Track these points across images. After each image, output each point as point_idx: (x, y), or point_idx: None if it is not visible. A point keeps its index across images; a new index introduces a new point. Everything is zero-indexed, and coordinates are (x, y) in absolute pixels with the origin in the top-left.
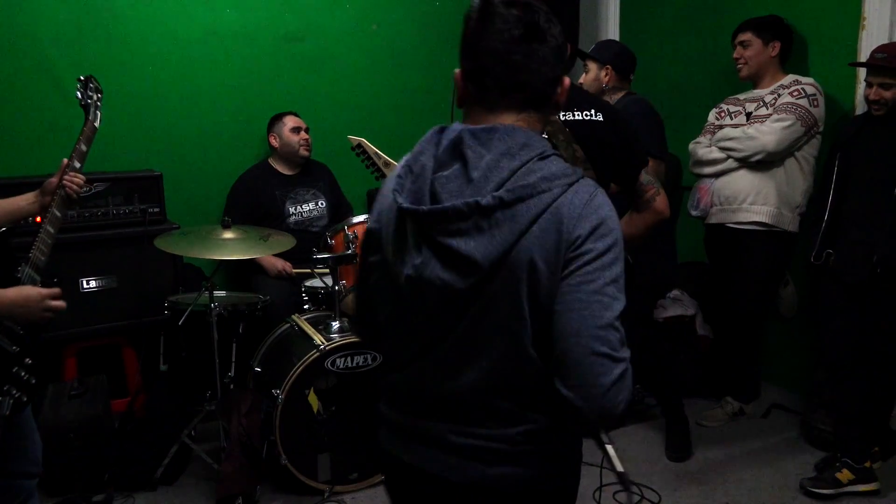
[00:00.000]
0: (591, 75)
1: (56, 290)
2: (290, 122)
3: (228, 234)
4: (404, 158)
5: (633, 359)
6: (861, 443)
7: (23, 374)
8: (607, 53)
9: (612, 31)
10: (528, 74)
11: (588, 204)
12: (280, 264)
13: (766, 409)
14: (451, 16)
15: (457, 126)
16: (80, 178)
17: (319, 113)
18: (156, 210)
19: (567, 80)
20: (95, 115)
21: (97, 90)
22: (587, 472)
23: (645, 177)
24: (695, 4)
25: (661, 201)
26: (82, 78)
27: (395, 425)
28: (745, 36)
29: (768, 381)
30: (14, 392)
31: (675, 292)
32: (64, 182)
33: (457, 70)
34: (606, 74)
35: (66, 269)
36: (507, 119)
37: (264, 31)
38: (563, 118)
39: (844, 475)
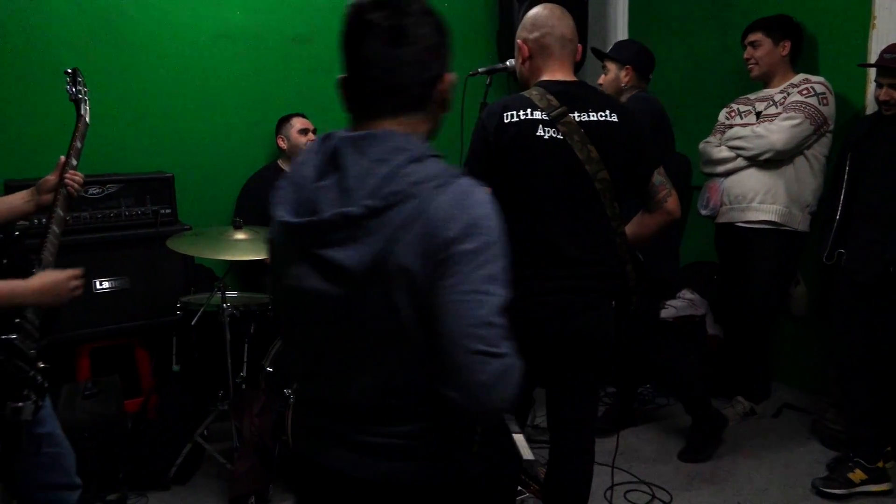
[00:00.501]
0: (611, 75)
1: (78, 271)
2: (297, 123)
3: (240, 235)
4: (289, 168)
5: (641, 360)
6: (873, 442)
7: (38, 378)
8: (627, 53)
9: (621, 31)
10: (399, 77)
11: (458, 204)
12: None
13: (777, 408)
14: (459, 17)
15: (338, 133)
16: (79, 176)
17: (328, 114)
18: (167, 211)
19: (449, 77)
20: (86, 109)
21: (84, 84)
22: (599, 472)
23: (657, 177)
24: (704, 4)
25: (672, 202)
26: (69, 71)
27: (301, 426)
28: (756, 36)
29: (779, 381)
30: (33, 397)
31: (685, 292)
32: (65, 181)
33: (340, 76)
34: (626, 74)
35: None
36: (385, 124)
37: (273, 33)
38: (577, 118)
39: (857, 475)
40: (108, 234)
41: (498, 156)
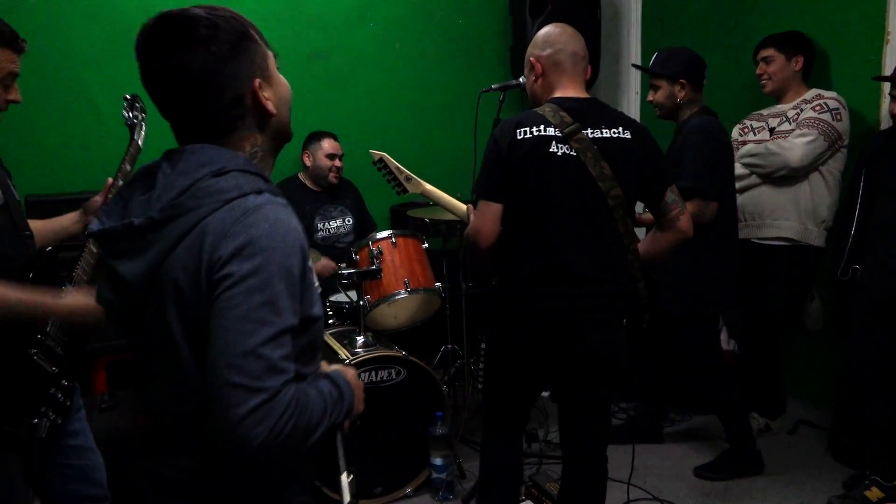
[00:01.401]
0: (663, 93)
1: None
2: (327, 146)
3: None
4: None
5: (694, 386)
6: (891, 460)
7: (59, 395)
8: (678, 66)
9: (633, 48)
10: (185, 100)
11: (238, 222)
12: (332, 264)
13: (792, 425)
14: (474, 34)
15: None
16: None
17: (343, 129)
18: None
19: (257, 82)
20: (140, 134)
21: (142, 109)
22: (614, 487)
23: (670, 195)
24: (716, 21)
25: (685, 221)
26: (128, 97)
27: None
28: (768, 52)
29: (795, 397)
30: (50, 414)
31: None
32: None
33: None
34: (682, 90)
35: (96, 283)
36: (205, 140)
37: (290, 50)
38: (591, 135)
39: (874, 493)
40: None
41: (510, 172)
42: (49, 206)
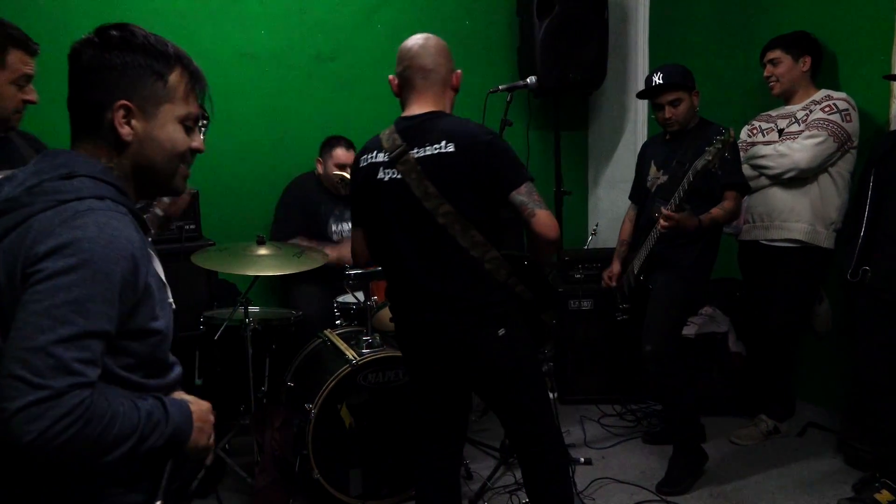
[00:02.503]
0: (686, 105)
1: None
2: (339, 155)
3: (263, 251)
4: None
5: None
6: None
7: None
8: (690, 77)
9: (641, 50)
10: (71, 93)
11: (65, 223)
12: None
13: (801, 427)
14: (480, 34)
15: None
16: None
17: (351, 131)
18: (192, 227)
19: (123, 103)
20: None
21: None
22: (619, 490)
23: (516, 198)
24: (723, 22)
25: (536, 223)
26: None
27: None
28: (775, 53)
29: (803, 399)
30: None
31: (707, 309)
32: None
33: None
34: (696, 98)
35: None
36: (75, 145)
37: (297, 52)
38: (416, 155)
39: (884, 496)
40: None
41: (358, 200)
42: None
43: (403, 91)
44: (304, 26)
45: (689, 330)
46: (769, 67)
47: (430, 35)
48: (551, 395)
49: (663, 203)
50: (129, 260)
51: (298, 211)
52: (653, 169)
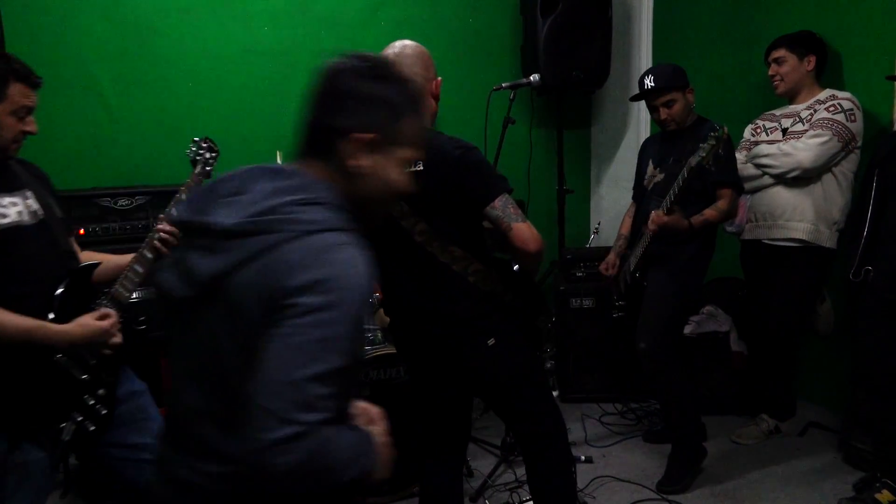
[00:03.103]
0: (680, 105)
1: (116, 321)
2: None
3: None
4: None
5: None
6: None
7: (92, 402)
8: (681, 75)
9: (645, 48)
10: (309, 114)
11: (318, 257)
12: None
13: (802, 427)
14: (485, 33)
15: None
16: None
17: None
18: None
19: (359, 138)
20: (203, 170)
21: (210, 150)
22: (620, 488)
23: (492, 212)
24: (727, 20)
25: (514, 236)
26: (197, 139)
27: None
28: (780, 52)
29: (805, 399)
30: (79, 418)
31: (708, 308)
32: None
33: None
34: (691, 94)
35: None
36: (301, 164)
37: (300, 49)
38: None
39: (884, 496)
40: (136, 245)
41: None
42: (62, 203)
43: None
44: (307, 23)
45: (690, 329)
46: (773, 66)
47: (408, 42)
48: (554, 394)
49: (659, 202)
50: (368, 299)
51: None
52: (650, 167)
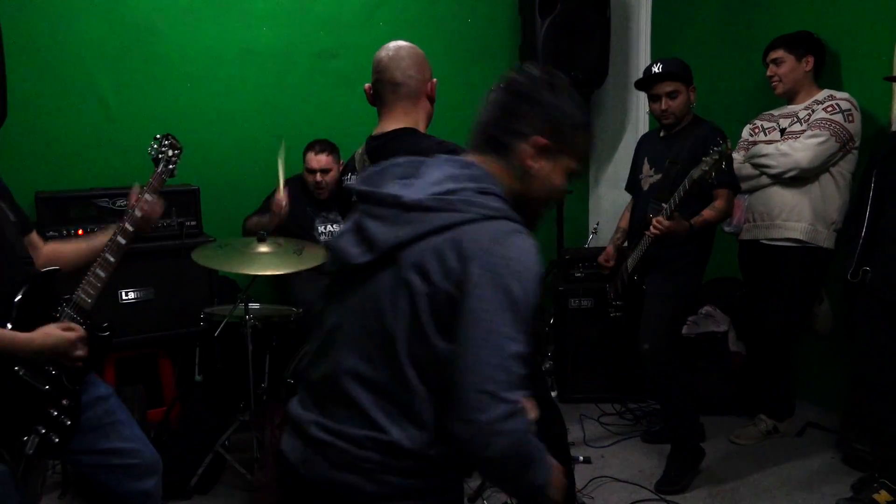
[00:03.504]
0: (682, 98)
1: (83, 332)
2: (310, 160)
3: (263, 248)
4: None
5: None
6: None
7: (55, 413)
8: (688, 71)
9: (643, 48)
10: (484, 114)
11: (499, 240)
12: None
13: (801, 427)
14: (484, 33)
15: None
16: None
17: (352, 129)
18: (193, 223)
19: (537, 141)
20: (167, 168)
21: (172, 147)
22: (618, 488)
23: None
24: (726, 21)
25: None
26: (158, 136)
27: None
28: (778, 53)
29: (803, 399)
30: (41, 430)
31: (707, 308)
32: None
33: None
34: (692, 92)
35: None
36: (476, 157)
37: (299, 49)
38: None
39: (882, 496)
40: (134, 246)
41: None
42: (59, 203)
43: (376, 102)
44: (306, 23)
45: (688, 329)
46: (772, 67)
47: (403, 44)
48: (552, 394)
49: (656, 204)
50: (536, 283)
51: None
52: (646, 166)
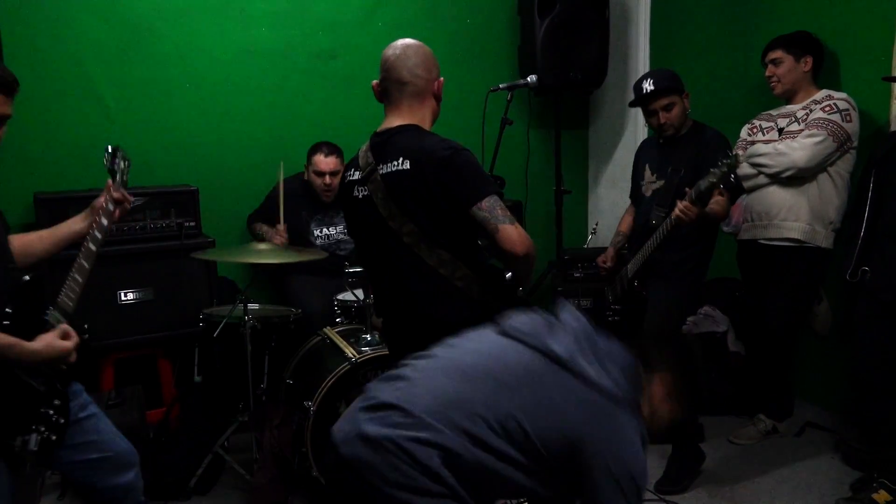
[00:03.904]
0: (679, 108)
1: (78, 342)
2: (318, 162)
3: (262, 247)
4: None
5: None
6: None
7: (51, 413)
8: (677, 79)
9: (642, 49)
10: None
11: None
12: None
13: (800, 427)
14: (480, 33)
15: None
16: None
17: (351, 129)
18: (191, 224)
19: None
20: (122, 180)
21: (124, 159)
22: None
23: (478, 214)
24: (724, 21)
25: (501, 237)
26: (110, 148)
27: None
28: (776, 54)
29: (802, 399)
30: (42, 430)
31: (706, 308)
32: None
33: None
34: (687, 99)
35: (105, 282)
36: None
37: (298, 50)
38: (381, 172)
39: (882, 496)
40: (133, 247)
41: (345, 214)
42: (58, 204)
43: (383, 100)
44: (305, 24)
45: (687, 329)
46: (771, 67)
47: (411, 42)
48: None
49: (661, 210)
50: None
51: (274, 203)
52: (647, 173)
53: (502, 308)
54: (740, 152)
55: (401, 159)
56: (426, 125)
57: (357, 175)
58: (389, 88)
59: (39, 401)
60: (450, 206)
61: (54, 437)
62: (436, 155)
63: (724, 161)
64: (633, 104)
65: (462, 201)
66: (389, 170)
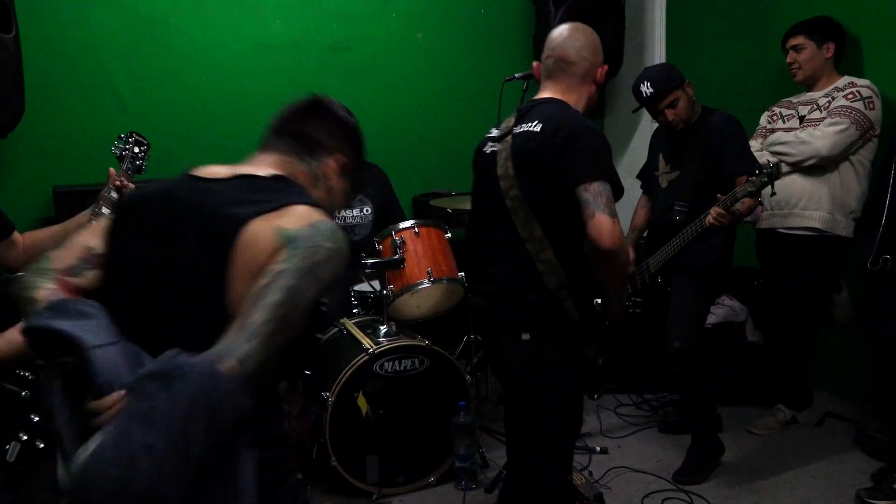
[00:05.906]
0: (684, 102)
1: None
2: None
3: None
4: None
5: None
6: None
7: (36, 418)
8: (676, 74)
9: (658, 36)
10: None
11: None
12: None
13: (819, 417)
14: (497, 23)
15: None
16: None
17: (365, 120)
18: None
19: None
20: (133, 164)
21: (138, 143)
22: (637, 479)
23: (582, 195)
24: (742, 7)
25: (593, 225)
26: (122, 136)
27: None
28: (798, 40)
29: (822, 389)
30: (23, 437)
31: (724, 298)
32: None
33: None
34: (690, 88)
35: None
36: None
37: (311, 42)
38: (514, 132)
39: None
40: None
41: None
42: (76, 197)
43: (543, 78)
44: (318, 16)
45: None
46: (792, 54)
47: (581, 25)
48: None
49: (682, 206)
50: None
51: None
52: (661, 162)
53: (575, 311)
54: (760, 140)
55: (535, 122)
56: (580, 107)
57: (494, 132)
58: (552, 66)
59: (23, 408)
60: (561, 180)
61: (42, 445)
62: (564, 126)
63: (764, 171)
64: (636, 110)
65: (573, 176)
66: (522, 129)
